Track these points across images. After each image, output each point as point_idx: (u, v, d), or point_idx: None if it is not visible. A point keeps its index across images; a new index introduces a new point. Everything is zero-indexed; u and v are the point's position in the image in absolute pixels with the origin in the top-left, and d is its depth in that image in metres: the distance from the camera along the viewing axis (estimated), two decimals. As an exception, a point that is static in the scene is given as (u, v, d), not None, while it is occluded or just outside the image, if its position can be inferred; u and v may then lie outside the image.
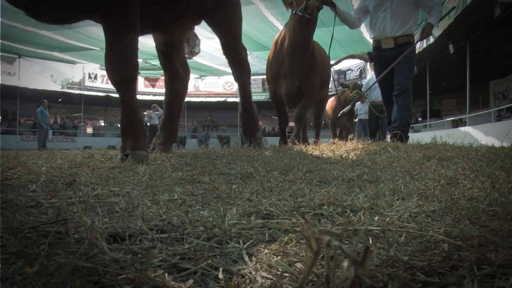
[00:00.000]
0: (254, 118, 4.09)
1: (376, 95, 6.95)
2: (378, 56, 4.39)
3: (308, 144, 4.15)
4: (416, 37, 4.58)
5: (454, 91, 19.23)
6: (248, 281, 0.56)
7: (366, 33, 12.68)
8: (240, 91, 4.04)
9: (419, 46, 11.53)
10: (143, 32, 3.08)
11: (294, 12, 3.97)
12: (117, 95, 2.73)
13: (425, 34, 4.22)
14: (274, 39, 4.80)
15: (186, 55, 4.12)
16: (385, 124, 6.38)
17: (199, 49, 4.29)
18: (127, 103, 2.58)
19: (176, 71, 3.77)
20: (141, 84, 23.23)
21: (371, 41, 4.56)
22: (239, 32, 3.96)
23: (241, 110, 4.06)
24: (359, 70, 19.85)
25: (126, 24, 2.46)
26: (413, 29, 4.27)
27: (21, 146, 15.33)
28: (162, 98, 4.12)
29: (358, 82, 8.81)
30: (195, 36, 4.24)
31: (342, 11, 4.36)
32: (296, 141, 4.15)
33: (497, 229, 0.81)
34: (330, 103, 8.65)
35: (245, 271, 0.59)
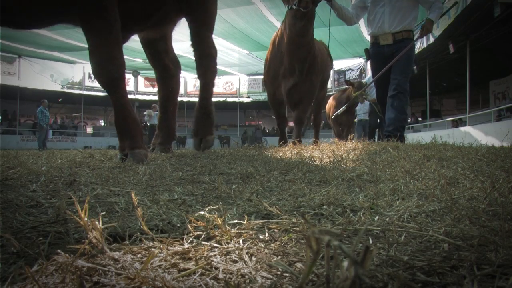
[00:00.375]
0: (210, 118, 3.77)
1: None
2: (376, 53, 4.27)
3: (300, 143, 4.07)
4: (416, 36, 4.51)
5: (454, 91, 19.24)
6: (248, 281, 0.56)
7: (366, 32, 12.68)
8: (201, 89, 3.64)
9: (419, 45, 11.53)
10: (126, 33, 2.95)
11: (290, 7, 3.85)
12: (117, 95, 2.69)
13: (425, 31, 4.11)
14: (272, 39, 4.67)
15: None
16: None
17: None
18: (119, 102, 2.53)
19: (166, 68, 3.68)
20: (141, 84, 23.26)
21: (369, 38, 4.47)
22: (213, 26, 3.66)
23: (197, 106, 3.68)
24: (359, 69, 19.87)
25: (106, 22, 2.39)
26: (412, 25, 4.15)
27: (21, 146, 15.36)
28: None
29: (363, 81, 8.74)
30: None
31: (339, 6, 4.24)
32: (296, 141, 4.10)
33: (497, 229, 0.81)
34: (331, 106, 8.54)
35: (245, 271, 0.59)
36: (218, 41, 14.95)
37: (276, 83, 4.49)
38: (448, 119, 15.48)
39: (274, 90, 4.55)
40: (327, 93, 7.18)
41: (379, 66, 4.22)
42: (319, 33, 4.92)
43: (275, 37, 4.50)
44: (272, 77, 4.50)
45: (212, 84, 3.72)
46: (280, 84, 4.42)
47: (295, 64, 4.19)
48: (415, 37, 4.36)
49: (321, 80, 4.91)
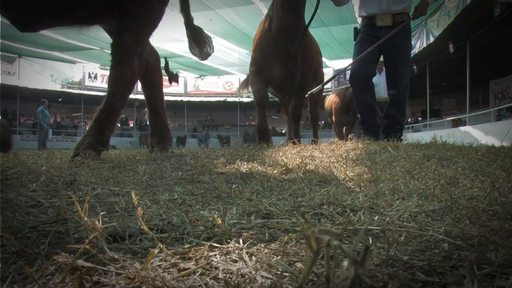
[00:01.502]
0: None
1: (379, 91, 6.30)
2: (369, 35, 3.85)
3: (300, 143, 3.93)
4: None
5: (454, 91, 19.26)
6: (248, 280, 0.56)
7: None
8: (109, 100, 2.68)
9: (419, 45, 11.52)
10: (36, 23, 2.56)
11: None
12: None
13: (418, 12, 3.82)
14: (260, 20, 4.28)
15: (198, 58, 3.66)
16: None
17: (211, 49, 3.77)
18: None
19: (146, 63, 3.29)
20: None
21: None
22: (147, 21, 2.87)
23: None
24: (359, 69, 19.80)
25: None
26: (410, 8, 3.87)
27: (21, 146, 15.37)
28: (165, 97, 3.89)
29: None
30: (204, 35, 3.74)
31: None
32: (296, 141, 3.89)
33: (497, 228, 0.81)
34: (332, 103, 8.44)
35: (245, 270, 0.59)
36: (218, 41, 14.91)
37: (264, 64, 4.10)
38: (448, 118, 15.49)
39: (261, 70, 4.12)
40: (327, 93, 7.09)
41: (367, 48, 3.77)
42: (319, 33, 4.89)
43: (265, 19, 4.14)
44: (260, 57, 4.11)
45: (121, 99, 2.74)
46: (272, 68, 4.06)
47: (287, 47, 3.85)
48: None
49: (313, 71, 4.61)
